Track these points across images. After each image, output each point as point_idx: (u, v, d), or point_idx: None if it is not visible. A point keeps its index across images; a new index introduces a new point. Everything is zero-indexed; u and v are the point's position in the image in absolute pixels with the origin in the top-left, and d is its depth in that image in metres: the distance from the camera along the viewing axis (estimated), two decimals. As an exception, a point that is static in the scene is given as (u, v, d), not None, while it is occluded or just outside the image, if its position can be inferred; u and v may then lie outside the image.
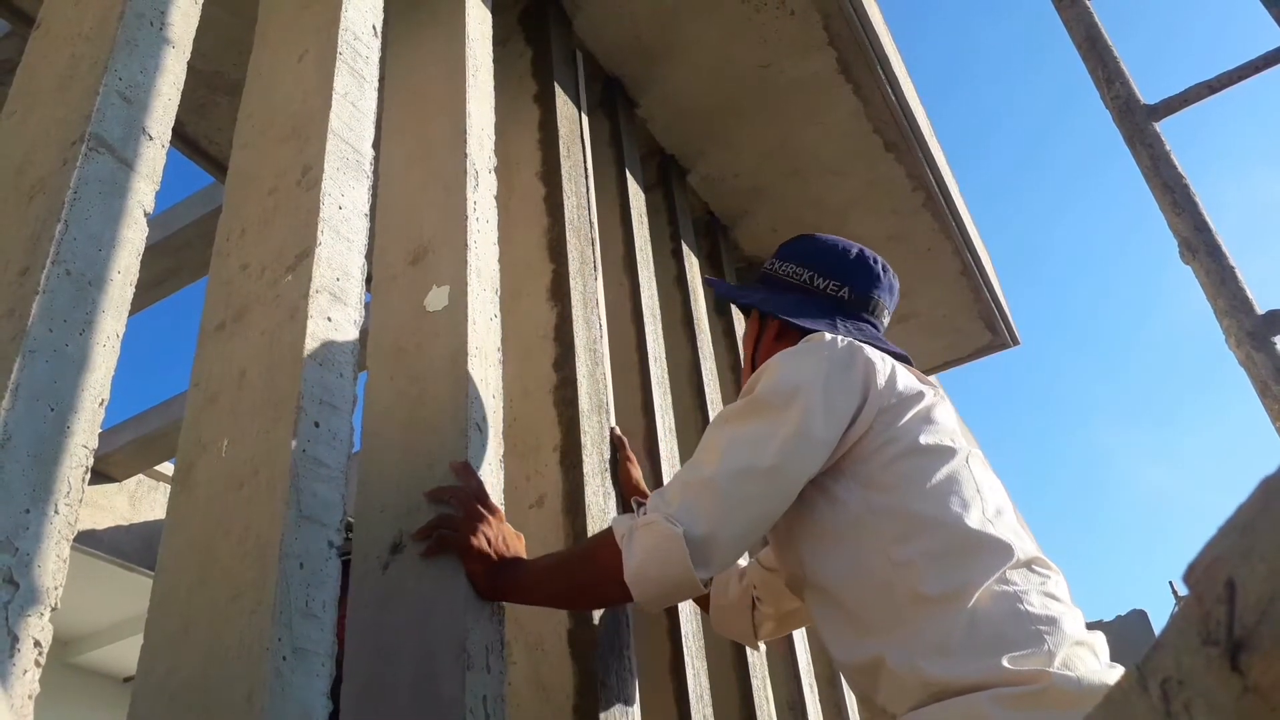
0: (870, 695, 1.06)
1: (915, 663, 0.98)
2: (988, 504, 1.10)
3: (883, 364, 1.19)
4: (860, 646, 1.05)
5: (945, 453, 1.13)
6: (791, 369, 1.16)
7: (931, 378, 1.30)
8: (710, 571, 1.08)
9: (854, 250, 1.39)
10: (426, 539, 1.22)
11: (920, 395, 1.19)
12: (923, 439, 1.13)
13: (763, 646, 1.68)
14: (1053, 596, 1.03)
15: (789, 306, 1.36)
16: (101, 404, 0.93)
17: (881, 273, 1.39)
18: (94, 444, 0.91)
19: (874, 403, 1.14)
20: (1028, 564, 1.05)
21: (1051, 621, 0.99)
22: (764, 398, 1.15)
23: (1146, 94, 1.13)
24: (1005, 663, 0.94)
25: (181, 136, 2.73)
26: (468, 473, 1.26)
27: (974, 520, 1.06)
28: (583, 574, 1.19)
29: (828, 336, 1.21)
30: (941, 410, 1.20)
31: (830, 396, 1.12)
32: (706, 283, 1.51)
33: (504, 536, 1.23)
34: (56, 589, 0.83)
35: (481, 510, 1.22)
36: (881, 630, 1.04)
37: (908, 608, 1.02)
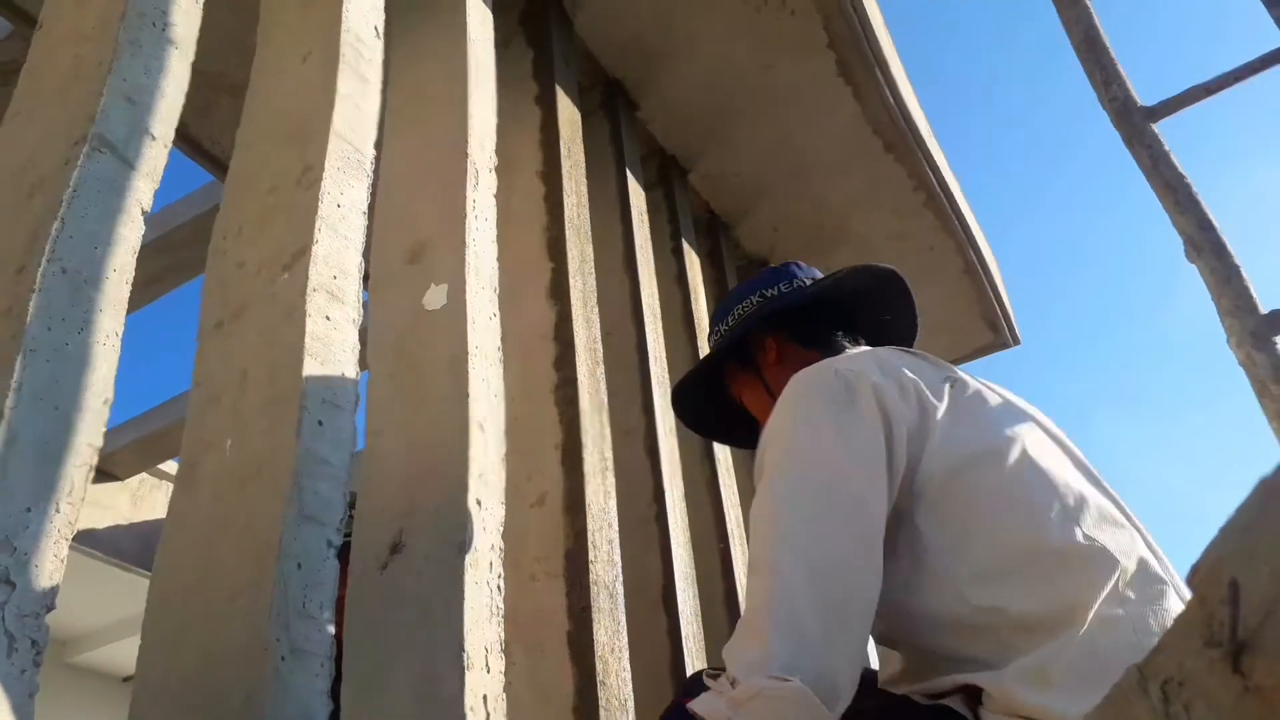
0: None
1: (1009, 688, 0.83)
2: (1068, 499, 0.93)
3: (883, 376, 1.00)
4: (948, 680, 0.90)
5: (997, 451, 0.96)
6: (792, 429, 0.98)
7: (942, 362, 1.12)
8: (844, 703, 0.85)
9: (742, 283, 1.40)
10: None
11: (941, 390, 1.02)
12: (964, 448, 0.96)
13: None
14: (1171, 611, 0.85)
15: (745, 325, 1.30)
16: (106, 402, 0.93)
17: (773, 269, 1.37)
18: (99, 442, 0.91)
19: (900, 426, 0.96)
20: (1138, 571, 0.88)
21: None
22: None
23: (1144, 93, 1.13)
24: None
25: (184, 137, 2.73)
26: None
27: (1056, 526, 0.90)
28: None
29: (806, 375, 1.03)
30: (970, 399, 1.02)
31: (853, 444, 0.94)
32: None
33: None
34: (55, 588, 0.83)
35: None
36: (977, 666, 0.88)
37: (1004, 638, 0.87)
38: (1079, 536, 0.90)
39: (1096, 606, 0.85)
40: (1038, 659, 0.83)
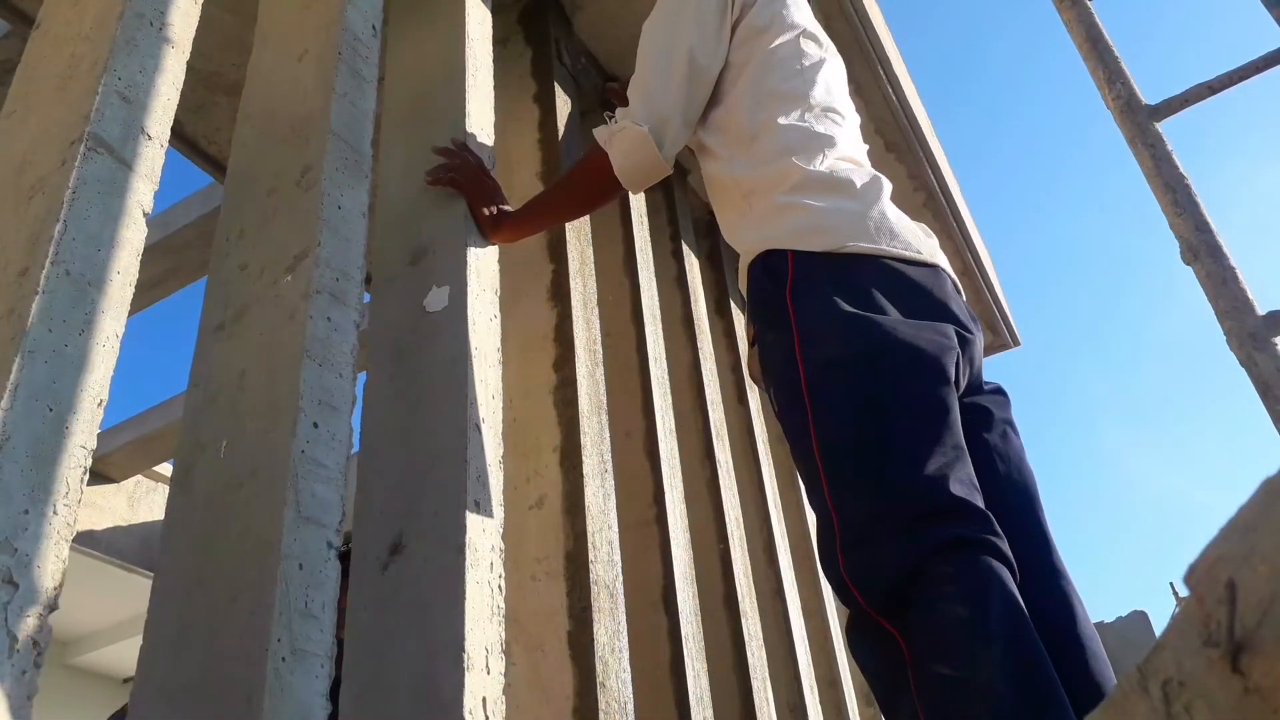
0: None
1: (737, 175, 1.35)
2: (817, 94, 1.38)
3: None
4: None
5: (799, 52, 1.40)
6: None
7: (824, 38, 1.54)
8: (672, 152, 1.41)
9: None
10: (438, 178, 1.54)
11: (794, 29, 1.44)
12: (773, 47, 1.40)
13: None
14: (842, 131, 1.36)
15: None
16: (100, 404, 0.93)
17: None
18: (92, 444, 0.91)
19: (744, 25, 1.43)
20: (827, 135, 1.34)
21: (830, 141, 1.32)
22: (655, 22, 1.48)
23: (1148, 93, 1.13)
24: (793, 160, 1.28)
25: (181, 136, 2.73)
26: (466, 148, 1.56)
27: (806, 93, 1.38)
28: (582, 182, 1.51)
29: None
30: (808, 43, 1.44)
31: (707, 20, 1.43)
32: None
33: (501, 195, 1.55)
34: (56, 590, 0.83)
35: (484, 172, 1.55)
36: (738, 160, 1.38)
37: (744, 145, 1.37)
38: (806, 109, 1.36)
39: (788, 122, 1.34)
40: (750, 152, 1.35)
